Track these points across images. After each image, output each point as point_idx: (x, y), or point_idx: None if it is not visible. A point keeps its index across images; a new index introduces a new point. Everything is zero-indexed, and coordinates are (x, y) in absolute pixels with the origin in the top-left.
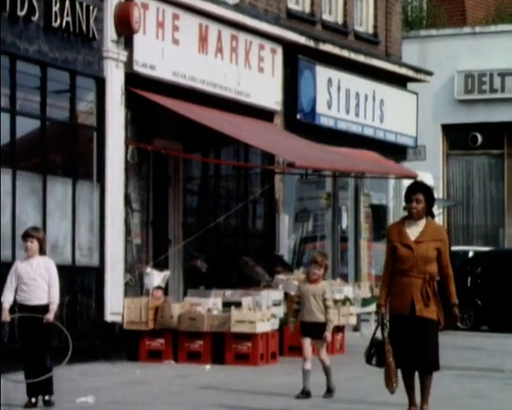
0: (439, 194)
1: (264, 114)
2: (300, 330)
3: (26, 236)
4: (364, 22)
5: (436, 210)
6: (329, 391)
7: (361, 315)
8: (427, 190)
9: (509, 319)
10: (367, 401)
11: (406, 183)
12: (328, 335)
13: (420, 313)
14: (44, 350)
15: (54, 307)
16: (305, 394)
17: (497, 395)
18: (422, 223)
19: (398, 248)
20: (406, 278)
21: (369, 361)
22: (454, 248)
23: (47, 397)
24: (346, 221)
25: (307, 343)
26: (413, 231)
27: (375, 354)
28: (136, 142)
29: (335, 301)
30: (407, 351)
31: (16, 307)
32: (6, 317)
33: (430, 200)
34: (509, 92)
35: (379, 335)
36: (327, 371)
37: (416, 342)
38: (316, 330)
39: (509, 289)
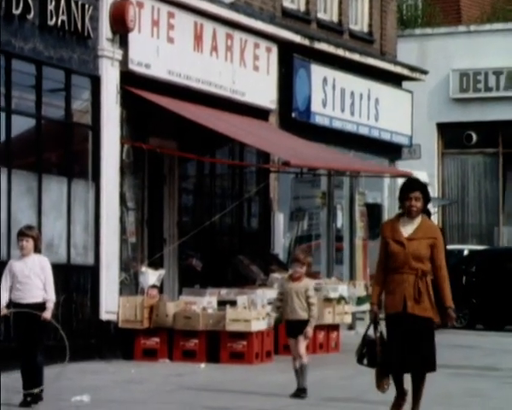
0: (434, 193)
1: (259, 113)
2: (286, 330)
3: (21, 234)
4: (359, 21)
5: (432, 209)
6: (300, 390)
7: (356, 314)
8: (423, 188)
9: (503, 318)
10: (362, 399)
11: (401, 182)
12: (309, 330)
13: (412, 311)
14: (35, 347)
15: (50, 306)
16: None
17: (495, 393)
18: (417, 221)
19: (390, 243)
20: (398, 275)
21: (360, 361)
22: (449, 246)
23: (36, 390)
24: (341, 220)
25: (294, 343)
26: (406, 229)
27: (366, 353)
28: (131, 140)
29: (330, 300)
30: (401, 352)
31: (11, 305)
32: (3, 311)
33: (426, 197)
34: (503, 91)
35: (371, 333)
36: (303, 368)
37: (410, 341)
38: (300, 328)
39: (503, 288)
